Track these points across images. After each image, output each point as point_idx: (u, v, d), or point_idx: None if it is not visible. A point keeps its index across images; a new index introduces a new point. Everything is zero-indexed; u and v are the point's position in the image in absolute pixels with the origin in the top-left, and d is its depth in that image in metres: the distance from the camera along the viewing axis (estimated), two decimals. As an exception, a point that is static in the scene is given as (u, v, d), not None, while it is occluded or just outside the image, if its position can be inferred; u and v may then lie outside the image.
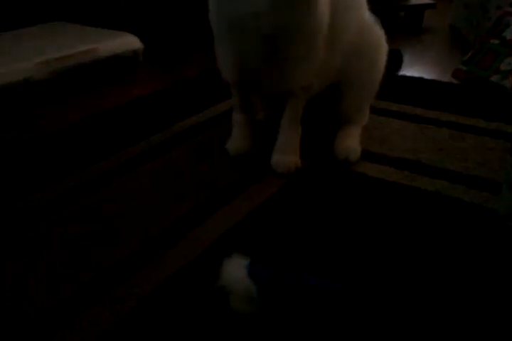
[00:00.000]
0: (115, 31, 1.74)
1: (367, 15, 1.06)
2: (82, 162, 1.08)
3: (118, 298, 0.70)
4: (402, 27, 2.13)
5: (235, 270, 0.64)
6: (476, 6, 1.79)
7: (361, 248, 0.80)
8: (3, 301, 0.70)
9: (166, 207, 0.92)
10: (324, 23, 0.92)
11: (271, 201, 0.93)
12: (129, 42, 1.69)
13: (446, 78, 1.56)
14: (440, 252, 0.79)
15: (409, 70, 1.66)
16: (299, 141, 1.04)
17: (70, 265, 0.77)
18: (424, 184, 0.98)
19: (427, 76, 1.59)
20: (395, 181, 0.99)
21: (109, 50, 1.62)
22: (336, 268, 0.75)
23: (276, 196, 0.95)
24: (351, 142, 1.08)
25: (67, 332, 0.65)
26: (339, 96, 1.08)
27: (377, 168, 1.04)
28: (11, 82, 1.39)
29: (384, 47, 1.10)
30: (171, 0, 1.97)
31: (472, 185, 0.97)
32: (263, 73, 0.98)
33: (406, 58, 1.75)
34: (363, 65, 1.05)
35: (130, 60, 1.70)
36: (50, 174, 1.03)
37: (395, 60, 1.62)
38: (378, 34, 1.09)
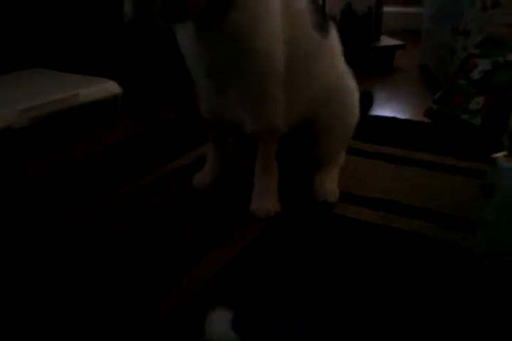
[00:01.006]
0: (94, 77, 1.77)
1: (341, 64, 1.10)
2: (57, 212, 1.07)
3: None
4: (374, 67, 2.21)
5: (219, 323, 0.64)
6: (444, 46, 1.87)
7: (343, 292, 0.81)
8: None
9: (148, 256, 0.92)
10: (276, 64, 0.94)
11: (252, 247, 0.94)
12: (109, 87, 1.72)
13: (418, 117, 1.61)
14: (418, 292, 0.80)
15: (383, 110, 1.71)
16: (276, 184, 1.06)
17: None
18: (400, 224, 1.00)
19: (400, 115, 1.65)
20: (373, 222, 1.01)
21: (89, 96, 1.65)
22: (318, 314, 0.76)
23: (256, 241, 0.96)
24: (329, 184, 1.10)
25: None
26: (314, 140, 1.11)
27: (355, 209, 1.06)
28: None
29: (356, 95, 1.13)
30: (150, 44, 2.02)
31: (447, 225, 0.99)
32: (224, 113, 1.02)
33: (378, 98, 1.81)
34: (335, 111, 1.08)
35: (109, 104, 1.72)
36: (23, 226, 1.03)
37: (365, 101, 1.68)
38: (351, 84, 1.12)
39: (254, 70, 0.93)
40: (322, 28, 1.01)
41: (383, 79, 2.10)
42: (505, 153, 0.79)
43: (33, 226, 1.02)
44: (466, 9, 1.65)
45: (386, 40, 2.24)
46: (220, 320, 0.64)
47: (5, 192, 1.18)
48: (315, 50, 1.00)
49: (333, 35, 1.07)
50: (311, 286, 0.83)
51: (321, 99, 1.05)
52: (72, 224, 1.02)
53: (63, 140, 1.52)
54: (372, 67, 2.21)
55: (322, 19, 1.02)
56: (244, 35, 0.89)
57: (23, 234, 0.99)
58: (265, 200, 1.05)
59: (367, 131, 1.43)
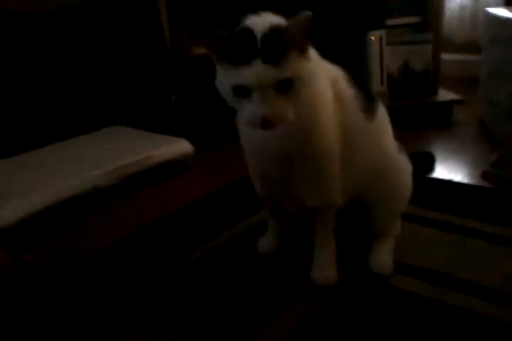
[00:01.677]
0: (168, 136, 1.95)
1: (390, 143, 1.18)
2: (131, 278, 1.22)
3: None
4: (432, 121, 2.26)
5: None
6: (500, 106, 1.91)
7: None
8: None
9: (210, 325, 1.03)
10: (333, 145, 1.04)
11: (309, 318, 1.03)
12: (182, 147, 1.89)
13: (476, 178, 1.65)
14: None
15: (441, 168, 1.77)
16: (334, 254, 1.15)
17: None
18: (455, 299, 1.05)
19: (458, 175, 1.70)
20: (427, 296, 1.07)
21: (164, 156, 1.82)
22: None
23: (313, 313, 1.05)
24: (383, 256, 1.18)
25: None
26: (367, 212, 1.19)
27: (411, 282, 1.12)
28: (83, 191, 1.59)
29: (408, 171, 1.21)
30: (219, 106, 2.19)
31: (505, 303, 1.03)
32: (284, 191, 1.12)
33: (438, 155, 1.86)
34: (385, 188, 1.15)
35: (181, 163, 1.88)
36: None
37: (427, 162, 1.75)
38: (402, 162, 1.19)
39: (317, 154, 1.05)
40: (369, 111, 1.11)
41: (442, 134, 2.15)
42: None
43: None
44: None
45: (444, 95, 2.29)
46: None
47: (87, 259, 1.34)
48: (363, 132, 1.10)
49: (381, 115, 1.16)
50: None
51: (371, 176, 1.14)
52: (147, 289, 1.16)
53: (139, 200, 1.67)
54: (430, 121, 2.26)
55: (368, 103, 1.11)
56: (309, 127, 1.01)
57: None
58: (324, 270, 1.14)
59: (425, 195, 1.50)
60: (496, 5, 2.51)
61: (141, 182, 1.77)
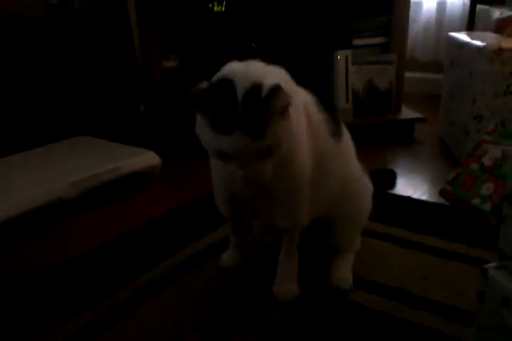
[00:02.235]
0: (136, 148, 1.95)
1: (356, 165, 1.23)
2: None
3: None
4: (394, 138, 2.34)
5: None
6: (459, 125, 2.00)
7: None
8: None
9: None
10: (306, 170, 1.05)
11: (272, 331, 1.06)
12: (149, 158, 1.90)
13: (435, 195, 1.72)
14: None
15: (401, 185, 1.83)
16: (296, 270, 1.18)
17: None
18: (409, 314, 1.10)
19: (417, 191, 1.76)
20: (383, 310, 1.11)
21: (131, 167, 1.82)
22: None
23: (276, 326, 1.08)
24: (343, 272, 1.22)
25: None
26: (329, 229, 1.23)
27: (368, 297, 1.16)
28: (45, 203, 1.57)
29: (369, 190, 1.26)
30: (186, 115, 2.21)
31: (451, 317, 1.09)
32: (253, 213, 1.15)
33: (398, 171, 1.92)
34: (349, 207, 1.20)
35: (148, 175, 1.89)
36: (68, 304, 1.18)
37: (388, 179, 1.81)
38: (365, 183, 1.25)
39: (292, 181, 1.05)
40: (336, 135, 1.14)
41: (404, 151, 2.22)
42: (496, 264, 0.89)
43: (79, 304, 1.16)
44: (479, 96, 1.78)
45: (406, 113, 2.37)
46: None
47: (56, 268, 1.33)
48: (332, 155, 1.13)
49: (346, 138, 1.20)
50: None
51: (337, 198, 1.18)
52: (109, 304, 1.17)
53: (104, 213, 1.67)
54: (393, 138, 2.33)
55: (335, 126, 1.14)
56: (287, 159, 0.99)
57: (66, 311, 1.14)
58: (285, 284, 1.18)
59: (385, 211, 1.55)
60: (459, 30, 2.62)
61: (106, 193, 1.76)
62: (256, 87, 0.87)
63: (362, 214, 1.24)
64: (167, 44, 2.14)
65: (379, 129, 2.34)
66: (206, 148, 0.94)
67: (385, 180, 1.77)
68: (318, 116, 1.10)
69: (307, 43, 2.23)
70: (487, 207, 1.52)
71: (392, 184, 1.80)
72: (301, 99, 1.06)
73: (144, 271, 1.29)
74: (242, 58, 0.98)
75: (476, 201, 1.56)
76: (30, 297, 1.21)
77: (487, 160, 1.61)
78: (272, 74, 0.94)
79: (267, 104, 0.86)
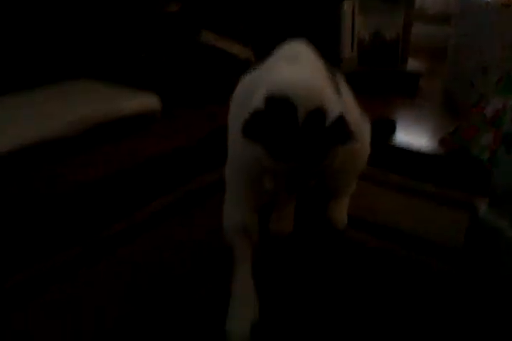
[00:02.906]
0: (136, 90, 1.93)
1: (356, 114, 1.19)
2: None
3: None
4: (399, 89, 2.31)
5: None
6: (465, 77, 1.97)
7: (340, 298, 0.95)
8: None
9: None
10: None
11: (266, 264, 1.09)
12: (150, 101, 1.88)
13: (434, 144, 1.72)
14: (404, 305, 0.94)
15: (403, 135, 1.83)
16: (292, 211, 1.21)
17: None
18: (400, 252, 1.13)
19: (417, 141, 1.77)
20: (377, 248, 1.15)
21: (131, 109, 1.81)
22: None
23: (270, 261, 1.11)
24: (339, 212, 1.25)
25: None
26: (327, 176, 1.23)
27: (361, 235, 1.20)
28: (45, 140, 1.58)
29: (367, 136, 1.25)
30: (191, 59, 2.17)
31: (442, 255, 1.12)
32: None
33: (400, 122, 1.92)
34: (349, 157, 1.19)
35: (149, 117, 1.88)
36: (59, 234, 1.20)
37: (388, 129, 1.81)
38: (365, 131, 1.23)
39: None
40: (338, 92, 1.08)
41: (408, 102, 2.20)
42: (487, 205, 0.91)
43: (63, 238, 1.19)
44: (486, 47, 1.75)
45: (412, 64, 2.34)
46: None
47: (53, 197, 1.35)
48: None
49: (346, 93, 1.12)
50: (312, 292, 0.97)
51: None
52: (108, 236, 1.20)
53: (104, 151, 1.68)
54: (397, 90, 2.30)
55: (337, 84, 1.05)
56: None
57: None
58: (281, 222, 1.20)
59: (383, 159, 1.56)
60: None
61: (106, 135, 1.76)
62: (320, 113, 0.77)
63: (361, 161, 1.25)
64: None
65: (383, 80, 2.31)
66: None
67: (384, 130, 1.77)
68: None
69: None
70: (485, 156, 1.53)
71: (392, 134, 1.80)
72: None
73: (141, 207, 1.32)
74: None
75: (476, 151, 1.56)
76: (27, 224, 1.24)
77: (489, 111, 1.60)
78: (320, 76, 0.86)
79: (330, 135, 0.77)
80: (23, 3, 1.99)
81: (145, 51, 2.31)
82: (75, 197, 1.37)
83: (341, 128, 0.77)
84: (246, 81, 0.97)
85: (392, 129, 1.80)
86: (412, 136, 1.85)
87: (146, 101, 1.87)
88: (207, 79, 2.11)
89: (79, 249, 1.14)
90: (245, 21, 2.27)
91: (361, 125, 1.22)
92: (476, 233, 0.91)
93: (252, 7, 2.26)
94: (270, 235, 1.18)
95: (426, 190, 1.41)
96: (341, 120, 0.77)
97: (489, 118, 1.58)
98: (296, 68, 0.84)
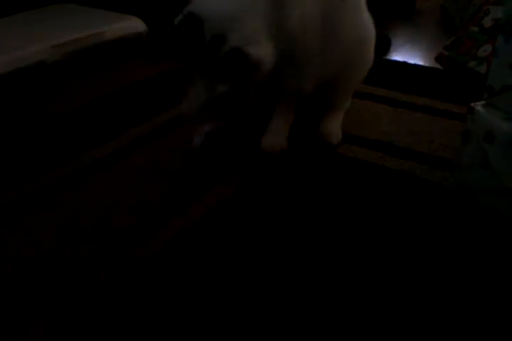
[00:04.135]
0: (121, 14, 1.84)
1: (365, 15, 1.15)
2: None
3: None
4: (396, 8, 2.22)
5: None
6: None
7: (335, 218, 0.96)
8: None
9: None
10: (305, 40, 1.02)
11: (258, 179, 1.08)
12: (135, 25, 1.80)
13: (431, 62, 1.67)
14: (399, 226, 0.94)
15: (398, 53, 1.77)
16: (288, 127, 1.17)
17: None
18: (395, 164, 1.12)
19: (413, 59, 1.71)
20: (370, 161, 1.13)
21: (116, 33, 1.74)
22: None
23: (262, 175, 1.10)
24: (333, 126, 1.22)
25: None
26: (327, 90, 1.19)
27: (356, 149, 1.18)
28: (28, 65, 1.52)
29: (373, 44, 1.20)
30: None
31: (434, 165, 1.11)
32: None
33: (396, 41, 1.86)
34: (355, 64, 1.16)
35: (135, 41, 1.81)
36: (50, 158, 1.17)
37: (382, 45, 1.74)
38: (371, 33, 1.19)
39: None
40: None
41: (403, 21, 2.12)
42: (483, 102, 0.88)
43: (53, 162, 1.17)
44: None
45: (410, -20, 2.22)
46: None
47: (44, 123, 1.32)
48: (337, 15, 1.05)
49: None
50: (308, 214, 0.97)
51: (345, 60, 1.12)
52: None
53: (89, 77, 1.63)
54: (392, 9, 2.21)
55: None
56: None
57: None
58: (275, 137, 1.17)
59: (377, 75, 1.51)
60: None
61: (90, 59, 1.70)
62: (220, 40, 0.88)
63: (362, 72, 1.21)
64: None
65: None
66: None
67: (379, 45, 1.70)
68: None
69: None
70: (483, 69, 1.48)
71: (386, 49, 1.74)
72: None
73: (117, 135, 1.27)
74: None
75: (472, 63, 1.51)
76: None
77: (487, 22, 1.54)
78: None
79: (226, 63, 0.88)
80: None
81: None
82: (64, 121, 1.34)
83: (237, 61, 0.87)
84: None
85: (387, 45, 1.74)
86: (408, 54, 1.79)
87: (130, 25, 1.79)
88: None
89: (70, 168, 1.13)
90: None
91: (366, 31, 1.16)
92: (471, 136, 0.89)
93: None
94: (262, 152, 1.16)
95: (422, 103, 1.38)
96: (238, 53, 0.86)
97: (488, 28, 1.52)
98: None
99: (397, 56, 1.76)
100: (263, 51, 0.91)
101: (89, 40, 1.67)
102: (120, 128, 1.29)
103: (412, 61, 1.70)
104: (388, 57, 1.76)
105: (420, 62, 1.70)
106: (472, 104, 0.90)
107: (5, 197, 1.03)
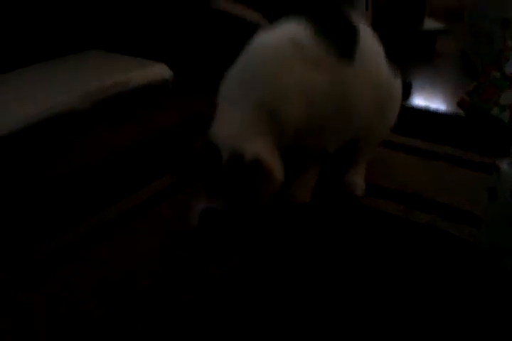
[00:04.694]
0: (147, 60, 1.90)
1: (385, 70, 1.14)
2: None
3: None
4: (416, 50, 2.25)
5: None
6: (483, 35, 1.90)
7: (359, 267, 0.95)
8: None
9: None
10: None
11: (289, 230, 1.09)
12: (160, 71, 1.86)
13: (452, 107, 1.68)
14: (427, 281, 0.93)
15: (419, 97, 1.78)
16: (314, 181, 1.18)
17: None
18: (420, 217, 1.11)
19: (434, 103, 1.72)
20: (395, 214, 1.13)
21: (142, 80, 1.79)
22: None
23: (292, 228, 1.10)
24: (356, 178, 1.23)
25: None
26: (352, 146, 1.19)
27: (380, 202, 1.17)
28: (58, 113, 1.57)
29: (399, 102, 1.21)
30: (203, 30, 2.12)
31: (461, 220, 1.09)
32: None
33: (416, 83, 1.87)
34: (377, 122, 1.16)
35: (161, 88, 1.86)
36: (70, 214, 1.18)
37: (404, 91, 1.75)
38: (397, 90, 1.20)
39: None
40: (347, 55, 1.03)
41: (424, 64, 2.14)
42: (509, 159, 0.88)
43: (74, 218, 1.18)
44: None
45: (429, 24, 2.26)
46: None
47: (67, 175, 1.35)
48: (348, 79, 1.03)
49: (366, 46, 1.07)
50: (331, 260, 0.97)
51: (367, 120, 1.12)
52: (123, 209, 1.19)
53: (118, 124, 1.66)
54: (413, 51, 2.24)
55: (345, 46, 1.04)
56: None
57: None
58: (301, 189, 1.18)
59: (398, 122, 1.51)
60: None
61: (119, 108, 1.75)
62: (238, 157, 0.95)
63: (386, 129, 1.21)
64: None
65: (399, 41, 2.24)
66: None
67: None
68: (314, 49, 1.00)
69: None
70: (506, 116, 1.48)
71: (407, 96, 1.75)
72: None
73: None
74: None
75: (495, 111, 1.51)
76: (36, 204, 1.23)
77: (509, 67, 1.55)
78: None
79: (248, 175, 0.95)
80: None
81: (154, 20, 2.27)
82: (90, 170, 1.37)
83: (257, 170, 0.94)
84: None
85: (408, 91, 1.75)
86: (429, 98, 1.80)
87: (156, 71, 1.85)
88: (220, 47, 2.07)
89: (89, 226, 1.13)
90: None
91: (388, 89, 1.15)
92: (497, 193, 0.89)
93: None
94: (287, 199, 1.16)
95: (445, 152, 1.37)
96: (256, 164, 0.94)
97: (509, 74, 1.52)
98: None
99: (418, 99, 1.77)
100: (274, 161, 0.98)
101: (117, 87, 1.72)
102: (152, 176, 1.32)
103: (433, 105, 1.71)
104: (409, 99, 1.76)
105: (441, 106, 1.71)
106: (497, 162, 0.89)
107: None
